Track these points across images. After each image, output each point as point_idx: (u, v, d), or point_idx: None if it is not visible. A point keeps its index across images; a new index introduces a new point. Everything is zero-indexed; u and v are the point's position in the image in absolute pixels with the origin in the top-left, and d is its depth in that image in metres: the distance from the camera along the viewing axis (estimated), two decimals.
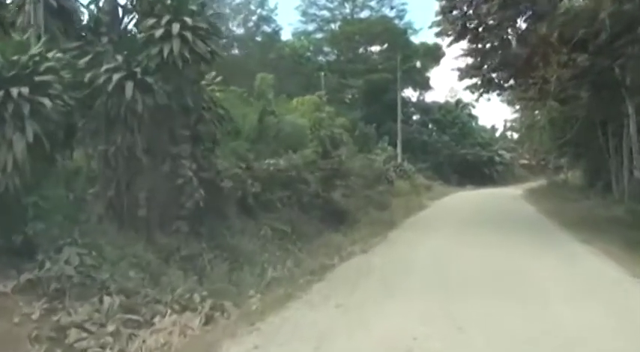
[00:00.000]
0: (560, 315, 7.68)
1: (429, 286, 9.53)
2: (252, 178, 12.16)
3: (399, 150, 37.94)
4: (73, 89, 8.18)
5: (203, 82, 10.84)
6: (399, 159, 36.58)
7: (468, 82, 20.08)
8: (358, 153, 28.57)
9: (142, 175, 9.34)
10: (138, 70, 8.97)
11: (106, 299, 6.95)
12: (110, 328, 6.53)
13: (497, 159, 56.61)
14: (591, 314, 7.65)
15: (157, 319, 7.05)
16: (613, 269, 10.99)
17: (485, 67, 19.46)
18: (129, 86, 8.70)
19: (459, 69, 19.72)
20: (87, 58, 9.04)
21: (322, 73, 35.13)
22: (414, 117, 57.15)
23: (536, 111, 30.86)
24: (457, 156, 53.48)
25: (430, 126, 56.27)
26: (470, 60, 19.71)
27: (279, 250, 11.57)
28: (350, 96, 56.22)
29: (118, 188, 9.29)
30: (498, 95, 22.05)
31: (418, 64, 43.56)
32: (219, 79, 11.68)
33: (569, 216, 20.68)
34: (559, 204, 26.30)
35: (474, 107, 61.35)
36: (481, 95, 20.51)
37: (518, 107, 33.33)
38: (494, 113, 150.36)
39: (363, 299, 8.54)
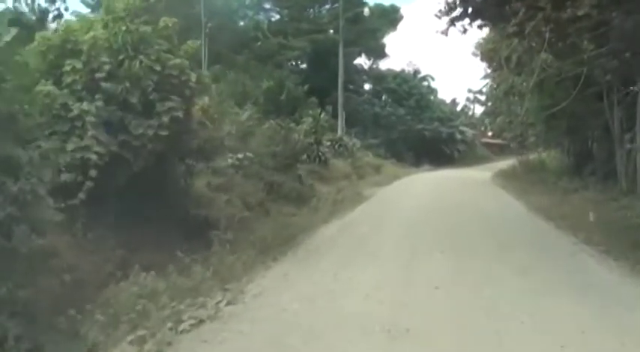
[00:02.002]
0: None
1: None
2: None
3: (340, 121, 29.33)
4: None
5: None
6: (340, 132, 28.06)
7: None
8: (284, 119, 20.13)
9: None
10: None
11: None
12: None
13: (458, 136, 48.64)
14: None
15: None
16: None
17: None
18: None
19: None
20: None
21: None
22: (366, 87, 48.65)
23: (516, 77, 22.79)
24: (413, 131, 45.37)
25: (384, 97, 47.83)
26: None
27: None
28: (292, 63, 47.25)
29: None
30: (480, 27, 13.68)
31: (366, 11, 34.57)
32: None
33: (583, 219, 12.58)
34: (551, 196, 18.37)
35: (433, 79, 53.33)
36: (453, 22, 12.12)
37: (490, 71, 25.03)
38: (455, 86, 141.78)
39: None
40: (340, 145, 25.61)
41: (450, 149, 48.14)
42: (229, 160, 14.10)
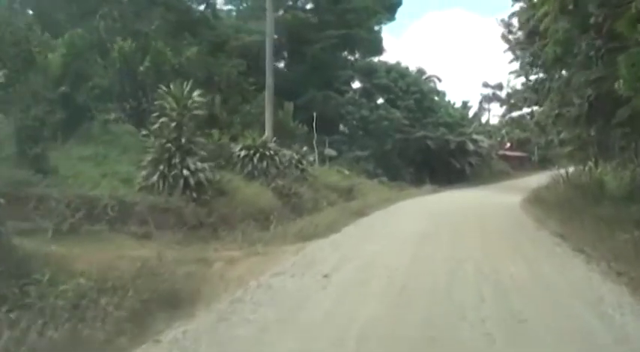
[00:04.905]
0: None
1: None
2: None
3: (267, 114, 17.31)
4: None
5: None
6: (267, 133, 16.26)
7: None
8: None
9: None
10: None
11: None
12: None
13: (470, 146, 36.55)
14: None
15: None
16: None
17: None
18: None
19: None
20: None
21: None
22: (355, 85, 36.88)
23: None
24: (413, 140, 33.59)
25: (380, 100, 36.08)
26: None
27: None
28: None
29: None
30: None
31: None
32: None
33: None
34: None
35: (439, 80, 41.41)
36: None
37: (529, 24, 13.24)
38: (465, 92, 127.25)
39: None
40: (263, 156, 14.00)
41: (461, 163, 36.17)
42: None
